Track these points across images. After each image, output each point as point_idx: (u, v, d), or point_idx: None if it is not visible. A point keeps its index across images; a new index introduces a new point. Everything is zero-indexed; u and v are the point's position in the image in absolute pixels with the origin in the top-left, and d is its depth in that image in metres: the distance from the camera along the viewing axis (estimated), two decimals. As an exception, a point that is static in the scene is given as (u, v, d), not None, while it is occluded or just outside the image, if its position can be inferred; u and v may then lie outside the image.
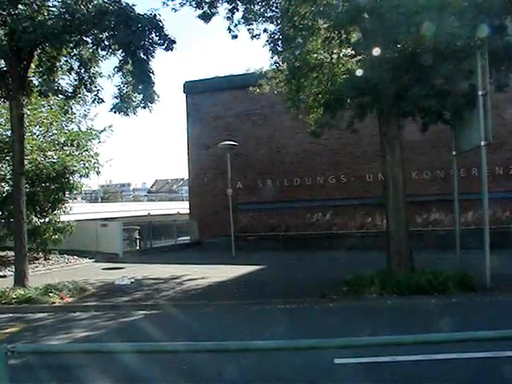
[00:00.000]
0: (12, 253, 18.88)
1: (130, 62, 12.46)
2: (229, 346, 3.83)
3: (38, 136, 18.58)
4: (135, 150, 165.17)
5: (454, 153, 13.17)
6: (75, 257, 19.32)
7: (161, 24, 12.16)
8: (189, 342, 4.00)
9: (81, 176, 18.70)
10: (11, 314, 10.63)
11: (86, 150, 18.79)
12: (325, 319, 9.53)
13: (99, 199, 59.54)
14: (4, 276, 15.53)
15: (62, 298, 11.30)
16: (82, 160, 18.60)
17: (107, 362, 6.18)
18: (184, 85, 25.48)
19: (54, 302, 11.07)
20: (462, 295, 10.61)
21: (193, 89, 25.04)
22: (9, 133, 17.84)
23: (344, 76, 13.78)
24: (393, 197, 12.33)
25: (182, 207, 35.46)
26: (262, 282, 13.06)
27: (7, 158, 17.35)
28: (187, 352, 4.59)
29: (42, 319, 10.21)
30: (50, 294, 11.27)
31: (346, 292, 11.21)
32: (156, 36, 12.18)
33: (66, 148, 18.65)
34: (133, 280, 13.91)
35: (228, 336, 8.09)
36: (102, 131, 19.13)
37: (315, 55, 14.21)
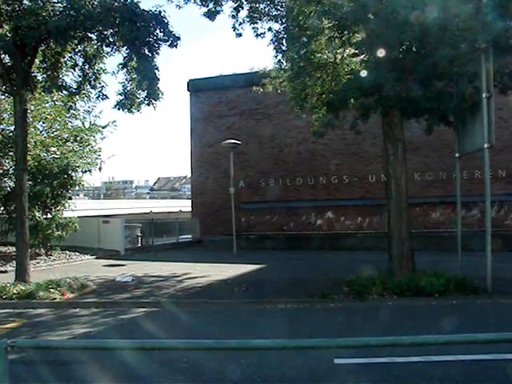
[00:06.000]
0: (14, 248, 18.99)
1: (135, 58, 12.47)
2: (229, 344, 3.83)
3: (41, 132, 18.62)
4: (138, 148, 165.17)
5: (456, 155, 13.14)
6: (77, 253, 19.33)
7: (166, 20, 12.16)
8: (188, 340, 3.97)
9: (83, 172, 18.74)
10: (12, 310, 10.63)
11: (89, 145, 18.82)
12: (325, 319, 9.53)
13: (101, 196, 59.60)
14: (5, 271, 15.55)
15: (62, 294, 11.30)
16: (84, 156, 18.63)
17: (107, 358, 6.19)
18: (188, 83, 25.49)
19: (54, 298, 11.07)
20: (463, 297, 10.59)
21: (197, 87, 25.06)
22: (12, 128, 17.92)
23: (348, 76, 13.78)
24: (395, 197, 12.31)
25: (184, 205, 35.50)
26: (262, 281, 13.03)
27: (10, 153, 17.39)
28: (187, 350, 4.58)
29: (43, 315, 10.21)
30: (51, 290, 11.26)
31: (347, 292, 11.19)
32: (161, 32, 12.18)
33: (68, 144, 18.69)
34: (134, 277, 13.91)
35: (228, 335, 8.08)
36: (105, 126, 19.19)
37: (319, 55, 14.20)
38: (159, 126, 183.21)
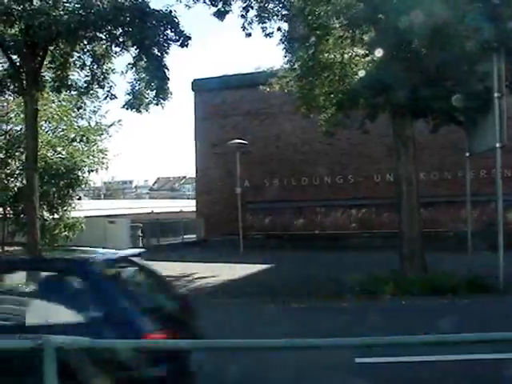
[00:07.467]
0: (20, 248, 18.96)
1: (144, 58, 12.46)
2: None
3: (47, 132, 18.55)
4: (137, 147, 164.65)
5: (467, 154, 13.15)
6: (83, 253, 19.26)
7: (176, 20, 12.17)
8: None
9: (89, 171, 18.70)
10: (24, 309, 10.58)
11: (96, 144, 18.79)
12: (342, 318, 9.45)
13: (102, 196, 59.51)
14: (14, 271, 15.47)
15: (75, 294, 11.25)
16: (90, 155, 18.59)
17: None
18: (192, 83, 25.48)
19: (67, 298, 11.02)
20: (476, 297, 10.58)
21: (201, 87, 25.03)
22: (18, 128, 17.89)
23: (356, 76, 13.82)
24: (406, 197, 12.35)
25: (185, 205, 35.47)
26: (273, 280, 13.02)
27: (17, 153, 17.37)
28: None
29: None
30: (63, 290, 11.22)
31: (360, 292, 11.19)
32: (171, 32, 12.18)
33: (74, 143, 18.64)
34: (144, 277, 13.86)
35: (249, 334, 8.00)
36: (110, 125, 19.16)
37: (326, 54, 14.22)
38: (158, 126, 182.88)
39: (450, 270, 11.62)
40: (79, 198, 19.33)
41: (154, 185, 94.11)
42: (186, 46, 12.26)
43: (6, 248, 18.87)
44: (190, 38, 12.26)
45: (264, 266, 16.16)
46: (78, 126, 18.70)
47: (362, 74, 13.79)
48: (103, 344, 3.34)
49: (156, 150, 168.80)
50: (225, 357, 6.21)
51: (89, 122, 18.89)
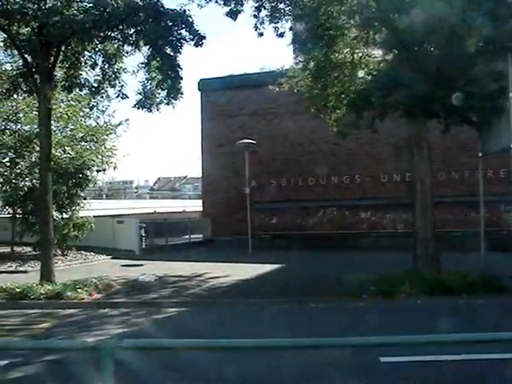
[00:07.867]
0: (29, 248, 18.98)
1: (158, 57, 12.43)
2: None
3: (55, 131, 18.54)
4: (138, 147, 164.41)
5: (479, 154, 13.14)
6: (92, 253, 19.28)
7: (191, 19, 12.14)
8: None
9: (98, 171, 18.71)
10: (40, 310, 10.53)
11: (104, 144, 18.79)
12: (360, 318, 9.46)
13: (104, 196, 59.36)
14: (25, 271, 15.44)
15: (90, 294, 11.23)
16: (99, 154, 18.59)
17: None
18: (199, 82, 25.39)
19: (82, 298, 11.00)
20: (491, 296, 10.59)
21: (207, 86, 24.96)
22: (27, 128, 17.89)
23: (367, 76, 13.79)
24: (420, 197, 12.36)
25: (186, 205, 35.48)
26: (285, 280, 12.98)
27: (26, 153, 17.36)
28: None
29: (73, 315, 10.15)
30: (79, 290, 11.20)
31: (375, 291, 11.17)
32: (186, 32, 12.14)
33: (83, 143, 18.64)
34: (156, 277, 13.83)
35: (267, 334, 8.01)
36: (118, 125, 19.17)
37: (337, 54, 14.19)
38: (158, 126, 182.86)
39: (464, 270, 11.60)
40: (84, 198, 19.31)
41: (154, 185, 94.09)
42: (201, 45, 12.22)
43: (15, 248, 18.84)
44: (204, 38, 12.23)
45: (274, 266, 16.14)
46: (87, 126, 18.71)
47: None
48: (159, 344, 3.32)
49: (156, 150, 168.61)
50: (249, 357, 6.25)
51: (97, 122, 18.90)
